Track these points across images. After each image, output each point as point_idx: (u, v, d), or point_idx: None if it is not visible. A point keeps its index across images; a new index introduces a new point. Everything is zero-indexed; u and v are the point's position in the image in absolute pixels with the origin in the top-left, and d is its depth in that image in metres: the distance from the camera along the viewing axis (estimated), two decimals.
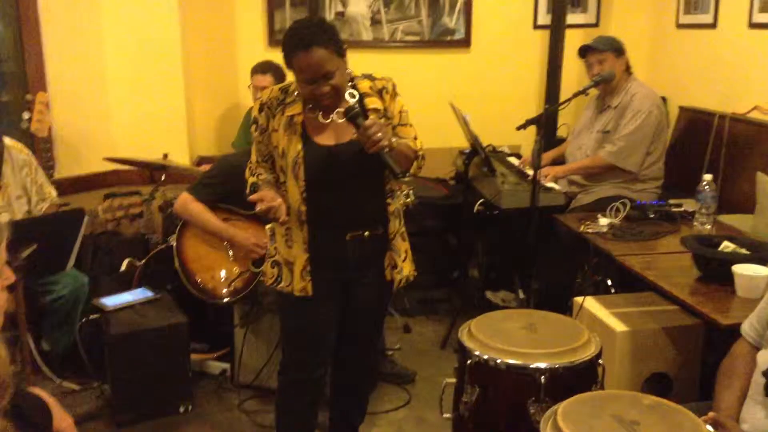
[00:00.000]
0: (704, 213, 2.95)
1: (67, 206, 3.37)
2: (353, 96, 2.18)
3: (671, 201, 3.19)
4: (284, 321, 2.48)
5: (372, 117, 2.17)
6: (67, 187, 3.81)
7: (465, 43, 4.70)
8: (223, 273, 3.18)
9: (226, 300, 3.16)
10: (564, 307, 2.97)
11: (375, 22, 4.60)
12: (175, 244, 3.22)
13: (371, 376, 3.01)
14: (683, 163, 3.95)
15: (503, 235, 3.95)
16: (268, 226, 2.53)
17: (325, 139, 2.24)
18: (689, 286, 2.40)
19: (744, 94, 3.75)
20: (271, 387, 3.07)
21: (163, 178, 3.69)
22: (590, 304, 2.79)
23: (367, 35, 4.60)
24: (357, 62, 2.34)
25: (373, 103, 2.24)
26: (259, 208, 2.11)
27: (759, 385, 1.78)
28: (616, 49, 3.61)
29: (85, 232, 3.05)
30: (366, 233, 2.28)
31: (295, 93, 2.23)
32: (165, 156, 3.77)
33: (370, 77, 2.28)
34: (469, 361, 2.12)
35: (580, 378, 2.07)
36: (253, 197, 2.15)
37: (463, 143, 4.10)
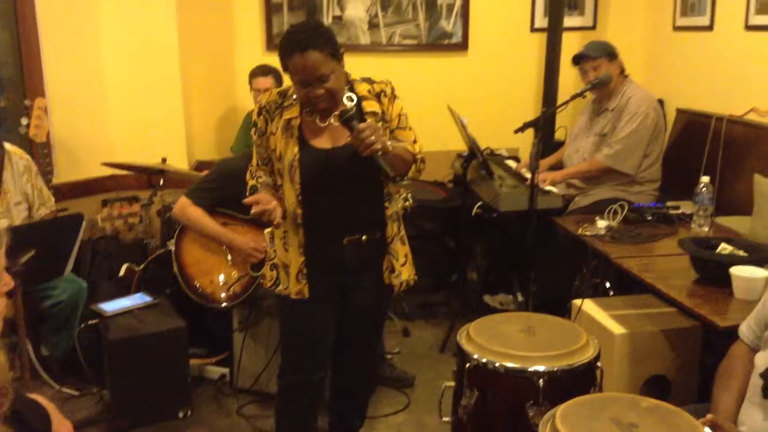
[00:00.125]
0: (702, 215, 2.96)
1: (65, 211, 3.38)
2: (351, 99, 2.19)
3: (669, 203, 3.20)
4: (282, 324, 2.50)
5: (369, 120, 2.18)
6: (66, 192, 3.81)
7: (462, 46, 4.71)
8: (221, 277, 3.18)
9: (224, 304, 3.16)
10: (562, 309, 2.97)
11: (372, 26, 4.61)
12: (173, 249, 3.23)
13: (370, 380, 3.01)
14: (681, 165, 3.95)
15: (501, 238, 3.96)
16: (267, 230, 2.54)
17: (322, 143, 2.25)
18: (687, 288, 2.40)
19: (741, 96, 3.75)
20: (270, 391, 3.07)
21: (161, 182, 3.69)
22: (588, 306, 2.79)
23: (364, 39, 4.61)
24: (355, 66, 2.35)
25: (370, 106, 2.24)
26: (254, 210, 2.12)
27: (757, 386, 1.78)
28: (609, 53, 3.62)
29: (84, 237, 3.05)
30: (363, 237, 2.29)
31: (293, 97, 2.24)
32: (163, 160, 3.77)
33: (368, 80, 2.30)
34: (467, 365, 2.12)
35: (579, 381, 2.07)
36: (248, 200, 2.16)
37: (461, 146, 4.10)
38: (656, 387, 2.59)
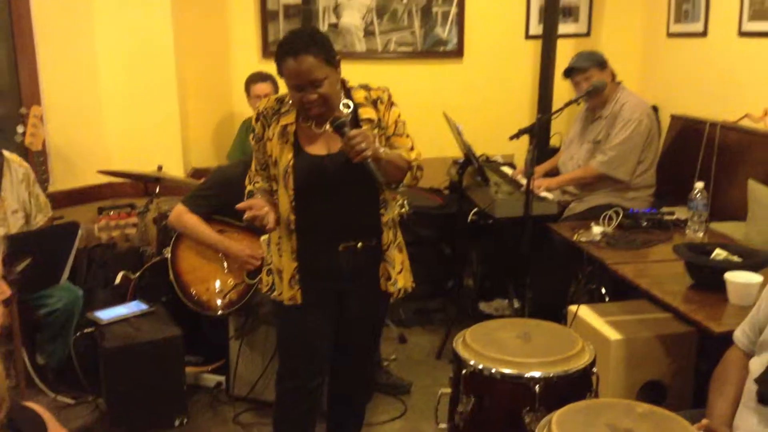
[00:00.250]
0: (696, 221, 2.97)
1: (60, 219, 3.37)
2: (348, 106, 2.20)
3: (663, 209, 3.21)
4: (278, 329, 2.50)
5: (365, 127, 2.19)
6: (62, 200, 3.80)
7: (457, 53, 4.73)
8: (217, 285, 3.18)
9: (220, 312, 3.16)
10: (558, 315, 2.98)
11: (368, 33, 4.62)
12: (169, 257, 3.22)
13: (367, 387, 3.01)
14: (675, 171, 3.97)
15: (497, 244, 3.97)
16: (263, 237, 2.54)
17: (317, 149, 2.25)
18: (682, 293, 2.40)
19: (735, 102, 3.77)
20: (266, 399, 3.06)
21: (157, 190, 3.69)
22: (584, 312, 2.80)
23: (360, 46, 4.63)
24: (350, 73, 2.35)
25: (367, 113, 2.25)
26: (246, 215, 2.13)
27: (752, 391, 1.79)
28: (599, 62, 3.64)
29: (80, 245, 3.05)
30: (359, 244, 2.29)
31: (290, 103, 2.25)
32: (159, 168, 3.77)
33: (366, 87, 2.30)
34: (464, 371, 2.13)
35: (575, 387, 2.07)
36: (240, 205, 2.17)
37: (457, 153, 4.12)
38: (652, 392, 2.59)
